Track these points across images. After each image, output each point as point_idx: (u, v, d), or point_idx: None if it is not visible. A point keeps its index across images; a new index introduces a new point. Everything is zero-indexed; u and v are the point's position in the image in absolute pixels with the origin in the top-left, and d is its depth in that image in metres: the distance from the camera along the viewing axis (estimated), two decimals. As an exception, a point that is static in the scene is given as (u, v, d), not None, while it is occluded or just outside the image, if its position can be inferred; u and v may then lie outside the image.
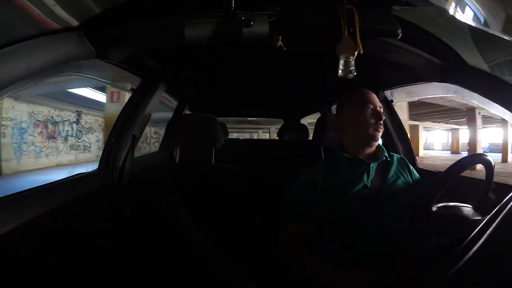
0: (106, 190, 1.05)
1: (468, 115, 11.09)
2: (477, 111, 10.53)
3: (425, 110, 11.98)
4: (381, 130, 0.86)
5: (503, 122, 11.26)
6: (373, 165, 0.86)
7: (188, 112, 2.18)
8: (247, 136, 14.11)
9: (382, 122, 0.86)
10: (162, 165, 1.16)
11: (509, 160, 11.18)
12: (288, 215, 0.88)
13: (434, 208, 0.61)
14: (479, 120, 10.86)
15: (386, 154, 0.90)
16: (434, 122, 16.05)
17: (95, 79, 1.22)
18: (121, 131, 1.15)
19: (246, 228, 1.03)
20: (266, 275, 0.93)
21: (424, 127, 16.31)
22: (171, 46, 0.96)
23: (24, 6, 0.50)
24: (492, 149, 15.41)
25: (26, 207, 0.70)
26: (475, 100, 0.88)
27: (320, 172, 0.88)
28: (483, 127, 11.47)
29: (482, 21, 0.95)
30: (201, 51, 1.03)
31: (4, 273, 0.61)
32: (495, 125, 14.71)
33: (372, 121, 0.85)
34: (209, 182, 1.05)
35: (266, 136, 14.41)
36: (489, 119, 13.08)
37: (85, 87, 6.79)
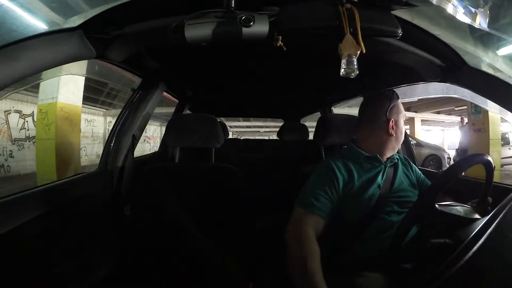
0: (106, 190, 1.05)
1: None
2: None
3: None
4: None
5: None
6: (388, 166, 0.86)
7: (188, 112, 2.18)
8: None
9: None
10: (162, 165, 1.16)
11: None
12: (304, 201, 0.78)
13: (436, 207, 0.60)
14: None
15: (397, 156, 0.90)
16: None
17: (94, 79, 1.22)
18: (121, 131, 1.15)
19: (246, 228, 1.03)
20: (266, 275, 0.93)
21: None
22: (171, 46, 0.96)
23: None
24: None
25: (26, 207, 0.70)
26: (476, 100, 0.88)
27: (341, 165, 0.84)
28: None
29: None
30: (201, 51, 1.03)
31: (4, 273, 0.61)
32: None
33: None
34: (209, 182, 1.05)
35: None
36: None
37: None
